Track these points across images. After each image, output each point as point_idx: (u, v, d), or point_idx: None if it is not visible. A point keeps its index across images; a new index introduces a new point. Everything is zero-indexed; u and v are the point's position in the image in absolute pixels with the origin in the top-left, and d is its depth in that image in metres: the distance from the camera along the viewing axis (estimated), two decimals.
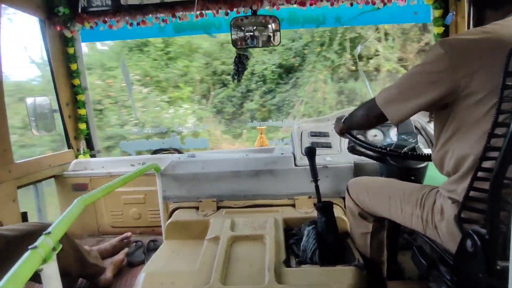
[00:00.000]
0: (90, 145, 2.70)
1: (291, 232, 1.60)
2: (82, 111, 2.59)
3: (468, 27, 2.10)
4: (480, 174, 0.89)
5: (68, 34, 2.40)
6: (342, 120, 1.44)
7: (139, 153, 3.22)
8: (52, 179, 2.35)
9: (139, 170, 1.63)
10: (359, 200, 1.41)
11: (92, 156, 2.68)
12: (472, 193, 0.92)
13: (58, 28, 2.36)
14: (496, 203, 0.85)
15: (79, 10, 2.32)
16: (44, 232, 0.81)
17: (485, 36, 0.94)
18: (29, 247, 0.75)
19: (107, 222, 2.37)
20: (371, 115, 1.18)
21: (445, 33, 2.23)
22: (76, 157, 2.57)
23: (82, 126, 2.60)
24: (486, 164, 0.87)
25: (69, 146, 2.55)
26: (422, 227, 1.11)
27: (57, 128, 2.49)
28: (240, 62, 2.47)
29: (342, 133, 1.49)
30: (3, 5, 1.95)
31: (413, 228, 1.18)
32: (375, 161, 1.63)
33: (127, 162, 2.43)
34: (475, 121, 0.94)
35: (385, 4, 2.19)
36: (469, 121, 0.96)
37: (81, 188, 2.34)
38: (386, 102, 1.10)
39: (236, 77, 2.55)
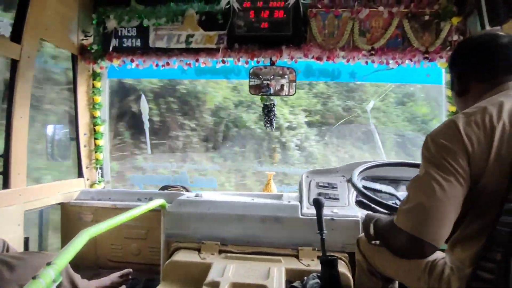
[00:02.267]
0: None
1: (292, 285, 1.53)
2: (99, 142, 2.67)
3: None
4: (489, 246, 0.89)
5: (97, 69, 2.57)
6: (372, 233, 1.24)
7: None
8: (58, 206, 2.36)
9: (146, 207, 1.62)
10: (368, 256, 1.37)
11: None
12: (480, 265, 0.91)
13: (88, 63, 2.53)
14: (506, 277, 0.83)
15: (110, 49, 2.49)
16: (47, 263, 0.81)
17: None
18: (32, 277, 0.75)
19: (106, 255, 2.33)
20: (407, 248, 0.96)
21: None
22: (91, 186, 2.62)
23: (98, 156, 2.67)
24: (496, 236, 0.88)
25: (80, 175, 2.59)
26: None
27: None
28: (269, 111, 2.54)
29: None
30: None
31: None
32: None
33: (134, 195, 2.44)
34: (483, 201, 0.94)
35: (399, 64, 2.29)
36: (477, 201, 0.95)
37: (85, 218, 2.34)
38: (419, 225, 0.92)
39: (269, 125, 2.59)
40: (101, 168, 2.70)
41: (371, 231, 1.22)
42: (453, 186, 0.90)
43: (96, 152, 2.68)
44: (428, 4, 2.21)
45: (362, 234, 1.47)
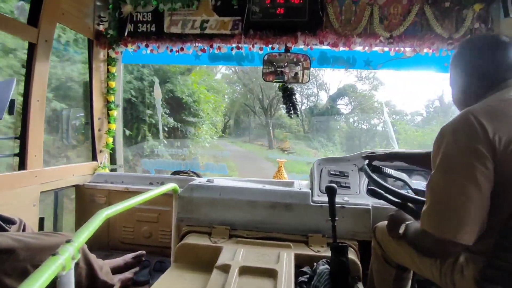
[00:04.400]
0: (113, 159, 2.78)
1: (301, 269, 1.54)
2: (112, 126, 2.69)
3: None
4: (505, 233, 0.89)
5: (112, 54, 2.58)
6: (401, 233, 1.18)
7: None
8: (73, 188, 2.42)
9: (159, 190, 1.64)
10: (384, 244, 1.39)
11: (113, 170, 2.75)
12: (495, 253, 0.91)
13: (104, 48, 2.54)
14: None
15: (125, 34, 2.50)
16: (66, 240, 0.83)
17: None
18: (51, 254, 0.76)
19: (118, 237, 2.38)
20: (434, 248, 0.97)
21: None
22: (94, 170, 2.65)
23: (109, 140, 2.70)
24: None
25: (94, 158, 2.63)
26: (440, 280, 1.09)
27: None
28: (290, 95, 2.49)
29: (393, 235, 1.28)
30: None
31: (430, 279, 1.15)
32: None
33: (146, 179, 2.47)
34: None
35: (417, 52, 2.23)
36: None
37: (98, 200, 2.39)
38: (441, 226, 0.92)
39: (292, 111, 2.54)
40: (111, 153, 2.72)
41: (401, 231, 1.18)
42: (477, 188, 0.87)
43: (107, 136, 2.70)
44: None
45: (380, 223, 1.47)
